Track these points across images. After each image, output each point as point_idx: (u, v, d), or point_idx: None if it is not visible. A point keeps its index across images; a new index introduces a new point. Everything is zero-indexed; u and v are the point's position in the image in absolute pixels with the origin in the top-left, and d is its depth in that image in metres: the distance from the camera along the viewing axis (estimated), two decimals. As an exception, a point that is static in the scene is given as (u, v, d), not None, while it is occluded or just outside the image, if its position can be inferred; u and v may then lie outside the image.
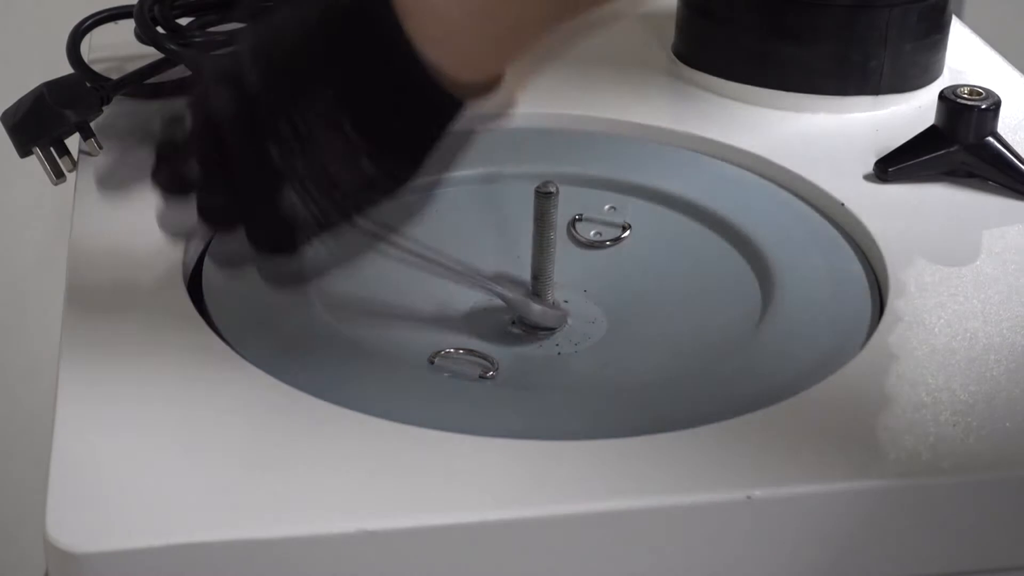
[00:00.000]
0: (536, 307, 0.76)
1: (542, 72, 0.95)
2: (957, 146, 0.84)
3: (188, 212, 0.66)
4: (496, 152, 0.87)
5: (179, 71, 0.90)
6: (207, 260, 0.76)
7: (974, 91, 0.84)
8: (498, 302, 0.76)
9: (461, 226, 0.83)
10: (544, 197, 0.75)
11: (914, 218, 0.81)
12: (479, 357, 0.73)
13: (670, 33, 0.99)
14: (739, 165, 0.86)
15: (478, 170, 0.85)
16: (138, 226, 0.77)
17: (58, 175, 0.83)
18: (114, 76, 0.89)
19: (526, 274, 0.78)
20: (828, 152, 0.87)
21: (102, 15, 0.91)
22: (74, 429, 0.63)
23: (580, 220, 0.84)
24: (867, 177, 0.84)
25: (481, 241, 0.82)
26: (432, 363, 0.73)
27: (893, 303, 0.73)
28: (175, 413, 0.64)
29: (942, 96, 0.84)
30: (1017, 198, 0.83)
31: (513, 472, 0.62)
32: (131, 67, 0.91)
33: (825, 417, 0.65)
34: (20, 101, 0.83)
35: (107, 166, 0.83)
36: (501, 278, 0.79)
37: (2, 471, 1.45)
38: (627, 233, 0.83)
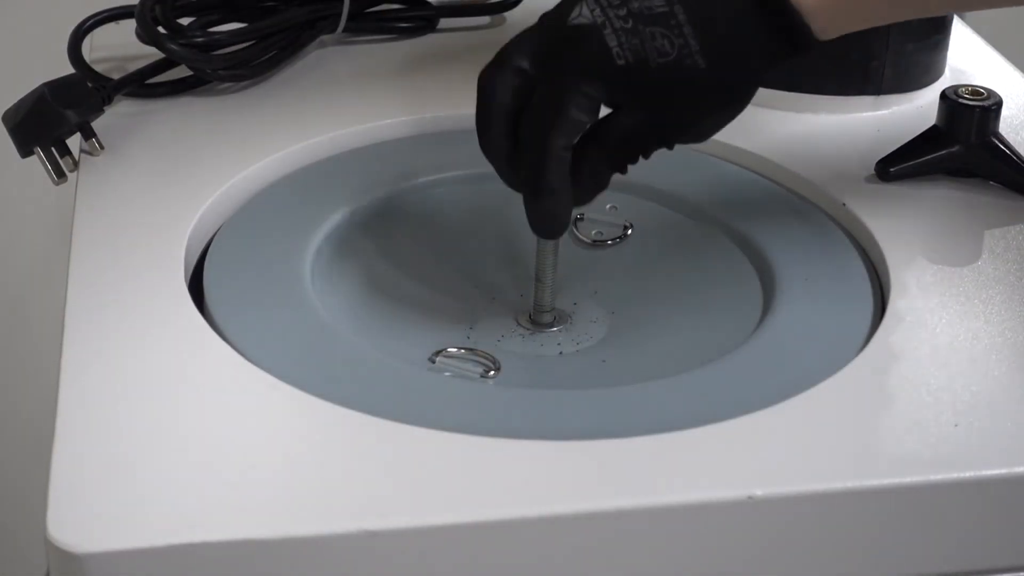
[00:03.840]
0: None
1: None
2: (958, 146, 0.83)
3: None
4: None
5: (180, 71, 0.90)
6: (208, 260, 0.76)
7: (975, 91, 0.84)
8: (499, 301, 0.76)
9: (462, 226, 0.83)
10: None
11: (916, 218, 0.81)
12: (480, 356, 0.73)
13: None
14: (741, 165, 0.86)
15: (478, 170, 0.85)
16: (139, 226, 0.77)
17: (59, 175, 0.83)
18: (115, 76, 0.90)
19: (529, 275, 0.77)
20: (829, 152, 0.87)
21: (103, 15, 0.91)
22: (75, 429, 0.63)
23: (581, 220, 0.84)
24: (868, 177, 0.84)
25: (482, 241, 0.82)
26: (433, 362, 0.73)
27: (894, 303, 0.73)
28: (176, 413, 0.64)
29: (943, 96, 0.84)
30: (1018, 198, 0.83)
31: (513, 472, 0.62)
32: (132, 67, 0.91)
33: (826, 417, 0.65)
34: (21, 101, 0.83)
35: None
36: (503, 278, 0.79)
37: (3, 471, 1.45)
38: (629, 232, 0.83)
